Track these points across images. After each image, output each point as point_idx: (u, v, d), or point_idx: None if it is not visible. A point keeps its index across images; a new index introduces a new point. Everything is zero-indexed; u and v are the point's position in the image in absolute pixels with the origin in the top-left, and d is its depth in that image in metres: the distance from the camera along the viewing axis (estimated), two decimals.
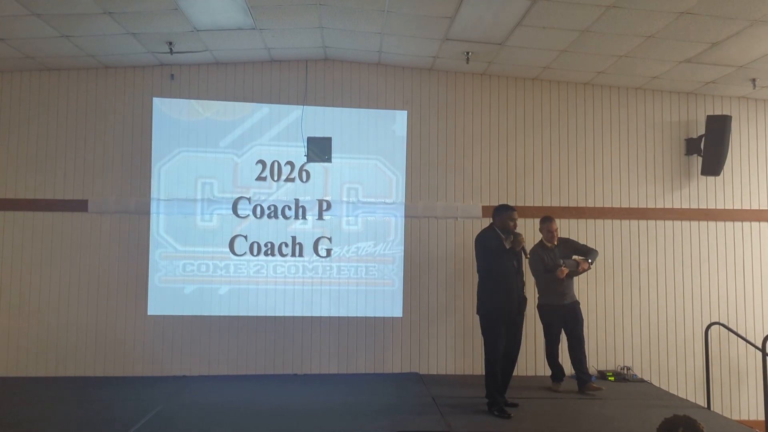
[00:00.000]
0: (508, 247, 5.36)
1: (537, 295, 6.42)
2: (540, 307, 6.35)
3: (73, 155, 6.89)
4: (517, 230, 5.53)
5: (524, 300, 5.54)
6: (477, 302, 5.61)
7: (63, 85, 6.94)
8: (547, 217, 6.39)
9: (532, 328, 6.91)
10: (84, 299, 6.80)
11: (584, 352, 6.19)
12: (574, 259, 6.26)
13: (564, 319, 6.21)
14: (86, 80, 6.96)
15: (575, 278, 6.34)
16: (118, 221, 6.87)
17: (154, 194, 6.81)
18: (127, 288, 6.81)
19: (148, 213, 6.80)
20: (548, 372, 6.51)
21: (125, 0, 5.33)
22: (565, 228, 6.99)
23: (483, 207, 6.98)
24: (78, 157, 6.89)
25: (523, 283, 5.53)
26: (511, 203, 6.81)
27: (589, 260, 6.24)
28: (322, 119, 6.98)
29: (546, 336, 6.31)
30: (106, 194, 6.88)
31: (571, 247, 6.36)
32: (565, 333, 6.27)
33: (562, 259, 6.19)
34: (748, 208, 7.25)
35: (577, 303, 6.30)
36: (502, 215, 5.47)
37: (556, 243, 6.31)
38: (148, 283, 6.75)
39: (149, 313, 6.76)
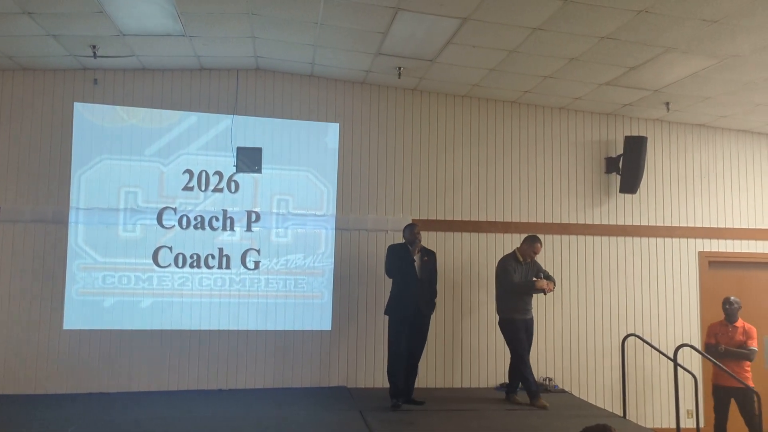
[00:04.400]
0: (414, 256, 6.07)
1: (496, 312, 6.52)
2: (501, 323, 6.40)
3: None
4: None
5: (430, 305, 6.14)
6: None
7: None
8: (535, 236, 6.46)
9: (476, 340, 7.02)
10: None
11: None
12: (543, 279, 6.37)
13: (524, 333, 6.31)
14: (1, 82, 6.61)
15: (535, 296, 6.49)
16: (33, 230, 6.53)
17: (73, 203, 6.54)
18: (41, 301, 6.47)
19: (66, 222, 6.51)
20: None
21: (46, 0, 5.11)
22: (492, 242, 7.16)
23: (413, 220, 7.06)
24: None
25: (428, 292, 6.12)
26: (441, 217, 7.20)
27: (553, 284, 6.39)
28: (252, 129, 6.89)
29: (516, 349, 6.25)
30: (20, 202, 6.54)
31: (540, 269, 6.49)
32: None
33: (534, 277, 6.34)
34: (662, 225, 7.63)
35: (532, 319, 6.42)
36: (405, 231, 6.26)
37: (529, 261, 6.43)
38: (64, 295, 6.45)
39: (65, 327, 6.46)
